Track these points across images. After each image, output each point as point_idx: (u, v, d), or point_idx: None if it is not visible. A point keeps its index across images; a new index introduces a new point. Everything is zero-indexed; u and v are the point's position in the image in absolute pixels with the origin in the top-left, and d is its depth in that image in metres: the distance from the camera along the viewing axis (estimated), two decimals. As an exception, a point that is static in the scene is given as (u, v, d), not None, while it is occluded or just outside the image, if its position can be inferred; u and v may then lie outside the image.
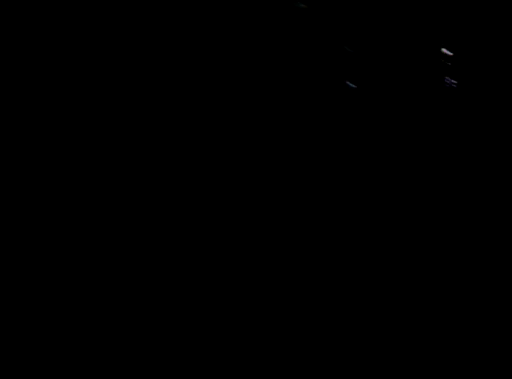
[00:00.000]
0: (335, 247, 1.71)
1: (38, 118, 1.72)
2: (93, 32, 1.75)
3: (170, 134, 1.78)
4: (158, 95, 1.78)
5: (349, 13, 1.49)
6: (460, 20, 1.61)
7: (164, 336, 1.52)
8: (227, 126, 1.69)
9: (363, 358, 1.50)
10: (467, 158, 1.65)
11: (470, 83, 1.62)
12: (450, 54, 1.55)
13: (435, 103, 1.62)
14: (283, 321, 1.58)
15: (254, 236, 1.72)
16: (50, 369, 1.41)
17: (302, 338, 1.54)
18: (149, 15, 1.76)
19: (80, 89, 1.75)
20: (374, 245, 1.70)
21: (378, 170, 1.67)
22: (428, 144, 1.65)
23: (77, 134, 1.73)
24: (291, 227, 1.73)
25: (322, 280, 1.67)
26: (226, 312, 1.60)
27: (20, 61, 1.72)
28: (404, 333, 1.56)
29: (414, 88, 1.62)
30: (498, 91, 1.61)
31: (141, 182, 1.74)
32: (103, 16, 1.75)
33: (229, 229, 1.73)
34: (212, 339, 1.53)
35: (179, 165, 1.77)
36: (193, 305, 1.61)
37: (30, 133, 1.71)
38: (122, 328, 1.53)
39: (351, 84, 1.47)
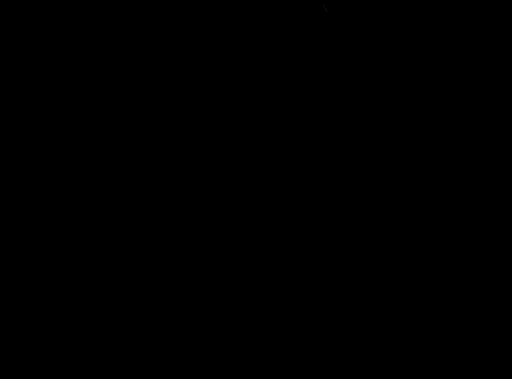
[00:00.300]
0: (332, 242, 1.70)
1: (38, 118, 1.72)
2: (93, 32, 1.75)
3: (170, 134, 1.78)
4: (158, 96, 1.78)
5: None
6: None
7: (164, 336, 1.52)
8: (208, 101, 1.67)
9: (362, 357, 1.50)
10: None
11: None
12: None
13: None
14: (283, 321, 1.58)
15: (254, 236, 1.72)
16: (50, 369, 1.41)
17: (302, 338, 1.54)
18: (149, 15, 1.76)
19: (80, 89, 1.75)
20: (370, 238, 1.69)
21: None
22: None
23: (76, 134, 1.73)
24: (285, 215, 1.73)
25: (322, 280, 1.67)
26: (226, 312, 1.59)
27: (20, 62, 1.71)
28: (404, 333, 1.56)
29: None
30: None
31: (141, 183, 1.74)
32: (103, 16, 1.74)
33: (229, 229, 1.73)
34: (212, 339, 1.52)
35: (179, 165, 1.77)
36: (193, 305, 1.60)
37: (30, 133, 1.71)
38: (122, 328, 1.53)
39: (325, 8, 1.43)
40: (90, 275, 1.61)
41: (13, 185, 1.66)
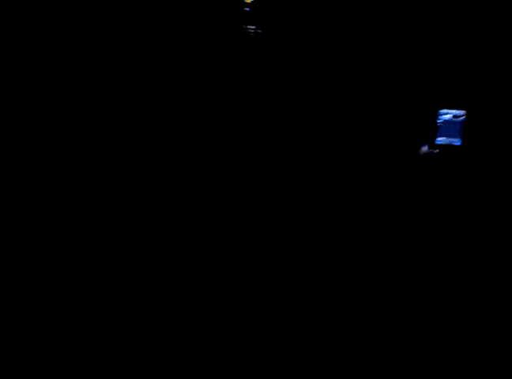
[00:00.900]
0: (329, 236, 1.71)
1: (38, 118, 1.72)
2: (94, 32, 1.76)
3: (169, 134, 1.78)
4: (158, 96, 1.79)
5: None
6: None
7: (164, 336, 1.52)
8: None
9: (362, 358, 1.50)
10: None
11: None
12: None
13: None
14: (283, 321, 1.58)
15: (253, 235, 1.72)
16: (51, 369, 1.41)
17: (302, 338, 1.54)
18: (149, 15, 1.77)
19: (80, 89, 1.75)
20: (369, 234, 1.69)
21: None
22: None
23: (76, 134, 1.74)
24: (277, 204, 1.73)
25: (322, 280, 1.67)
26: (226, 312, 1.59)
27: (20, 62, 1.72)
28: (404, 333, 1.56)
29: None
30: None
31: (141, 182, 1.75)
32: (103, 16, 1.75)
33: (229, 229, 1.73)
34: (212, 339, 1.52)
35: (179, 165, 1.78)
36: (193, 305, 1.60)
37: (30, 133, 1.71)
38: (122, 328, 1.53)
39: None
40: (90, 275, 1.61)
41: (13, 184, 1.67)
